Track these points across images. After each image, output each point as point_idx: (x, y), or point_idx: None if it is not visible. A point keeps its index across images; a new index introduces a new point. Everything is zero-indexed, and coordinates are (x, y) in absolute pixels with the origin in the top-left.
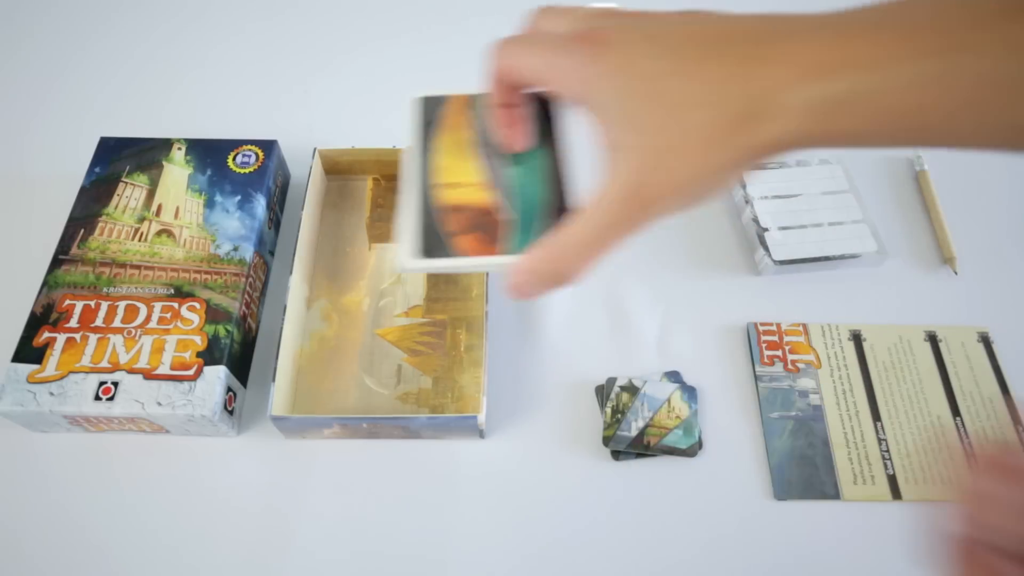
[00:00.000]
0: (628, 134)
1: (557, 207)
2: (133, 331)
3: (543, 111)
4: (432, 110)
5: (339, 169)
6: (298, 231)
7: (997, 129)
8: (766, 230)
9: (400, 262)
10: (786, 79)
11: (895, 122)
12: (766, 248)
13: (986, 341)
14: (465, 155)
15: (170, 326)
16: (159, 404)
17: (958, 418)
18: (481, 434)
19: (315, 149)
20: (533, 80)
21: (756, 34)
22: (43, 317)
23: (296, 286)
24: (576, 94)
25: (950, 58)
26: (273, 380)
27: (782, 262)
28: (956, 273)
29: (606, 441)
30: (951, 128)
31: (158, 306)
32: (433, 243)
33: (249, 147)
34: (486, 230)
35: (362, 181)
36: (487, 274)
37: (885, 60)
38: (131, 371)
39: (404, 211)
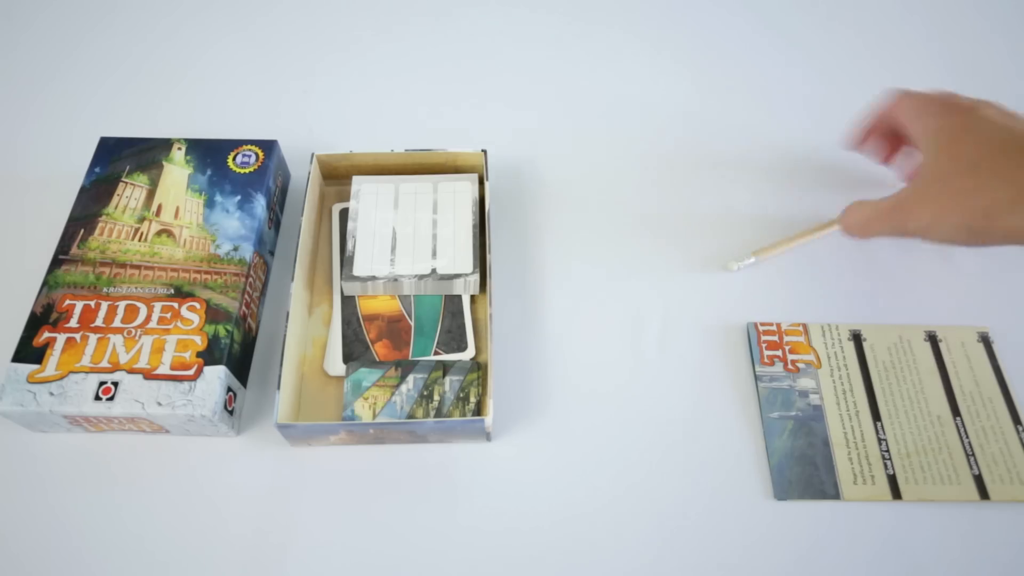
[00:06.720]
0: (921, 181)
1: (451, 311)
2: (133, 331)
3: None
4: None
5: (338, 174)
6: (298, 237)
7: None
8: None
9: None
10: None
11: None
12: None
13: (986, 341)
14: None
15: (170, 326)
16: (159, 404)
17: (958, 418)
18: (488, 437)
19: (313, 155)
20: (899, 119)
21: None
22: (43, 317)
23: (297, 292)
24: (917, 133)
25: None
26: (278, 388)
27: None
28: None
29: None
30: None
31: (158, 306)
32: (357, 351)
33: (249, 147)
34: (394, 336)
35: None
36: (490, 275)
37: None
38: (131, 371)
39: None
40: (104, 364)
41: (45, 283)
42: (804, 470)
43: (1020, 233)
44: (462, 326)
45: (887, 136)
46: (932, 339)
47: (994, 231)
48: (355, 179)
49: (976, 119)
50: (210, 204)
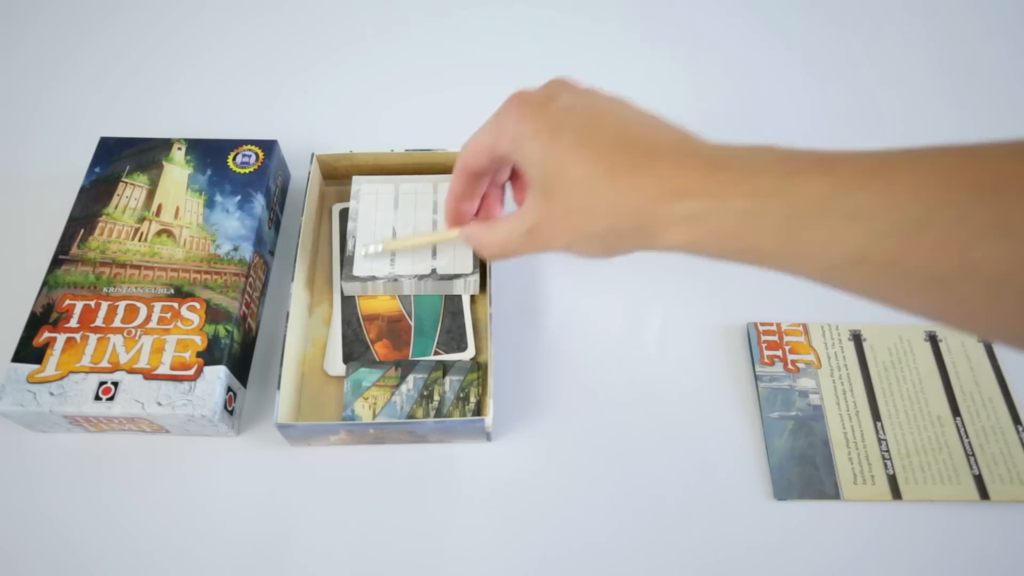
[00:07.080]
0: (541, 198)
1: (451, 311)
2: (133, 331)
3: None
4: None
5: (337, 174)
6: (298, 237)
7: (797, 255)
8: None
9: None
10: (658, 196)
11: (729, 242)
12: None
13: (986, 341)
14: None
15: (170, 326)
16: (159, 404)
17: (958, 418)
18: (488, 437)
19: (313, 154)
20: (485, 155)
21: (656, 150)
22: (43, 317)
23: (298, 292)
24: (506, 151)
25: (758, 200)
26: (278, 388)
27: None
28: None
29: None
30: (770, 254)
31: (158, 306)
32: (357, 351)
33: (249, 147)
34: (394, 336)
35: None
36: (490, 277)
37: (725, 194)
38: (131, 371)
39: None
40: (104, 364)
41: (45, 283)
42: (804, 470)
43: (650, 244)
44: (462, 326)
45: (483, 183)
46: (932, 339)
47: (624, 247)
48: (355, 179)
49: (557, 113)
50: (210, 204)
